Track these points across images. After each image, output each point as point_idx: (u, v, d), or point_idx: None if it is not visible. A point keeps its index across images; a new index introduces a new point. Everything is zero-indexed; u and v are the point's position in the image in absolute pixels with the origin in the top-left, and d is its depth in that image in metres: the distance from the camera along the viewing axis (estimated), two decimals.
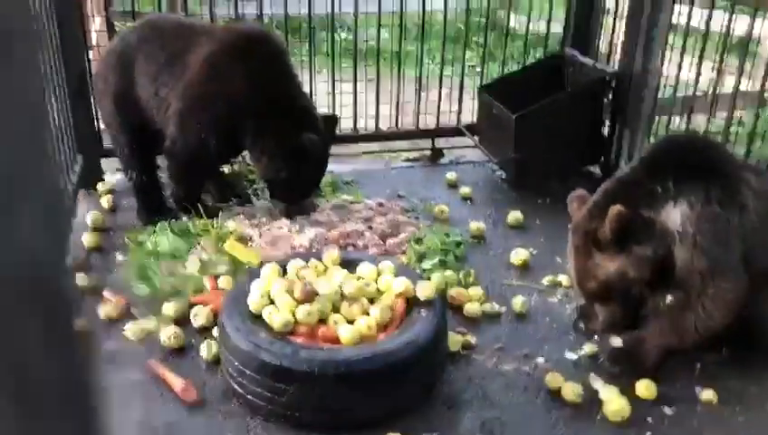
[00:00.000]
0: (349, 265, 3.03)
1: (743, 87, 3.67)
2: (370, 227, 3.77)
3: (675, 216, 2.60)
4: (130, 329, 2.98)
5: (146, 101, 3.68)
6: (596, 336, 3.01)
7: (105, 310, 3.07)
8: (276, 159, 3.57)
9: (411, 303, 2.80)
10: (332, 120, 3.92)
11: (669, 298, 2.85)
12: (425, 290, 2.79)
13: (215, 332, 2.88)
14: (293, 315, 2.65)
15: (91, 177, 4.26)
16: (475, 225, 3.93)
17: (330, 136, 3.81)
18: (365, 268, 2.95)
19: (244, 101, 3.50)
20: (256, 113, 3.51)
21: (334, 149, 4.03)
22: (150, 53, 3.64)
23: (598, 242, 2.65)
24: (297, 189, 3.77)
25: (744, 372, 2.90)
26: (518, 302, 3.26)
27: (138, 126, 3.77)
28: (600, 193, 2.77)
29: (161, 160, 3.94)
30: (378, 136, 4.97)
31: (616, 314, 2.78)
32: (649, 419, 2.65)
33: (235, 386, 2.56)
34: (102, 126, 4.15)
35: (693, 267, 2.64)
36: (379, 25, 4.77)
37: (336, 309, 2.76)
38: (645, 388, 2.74)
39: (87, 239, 3.65)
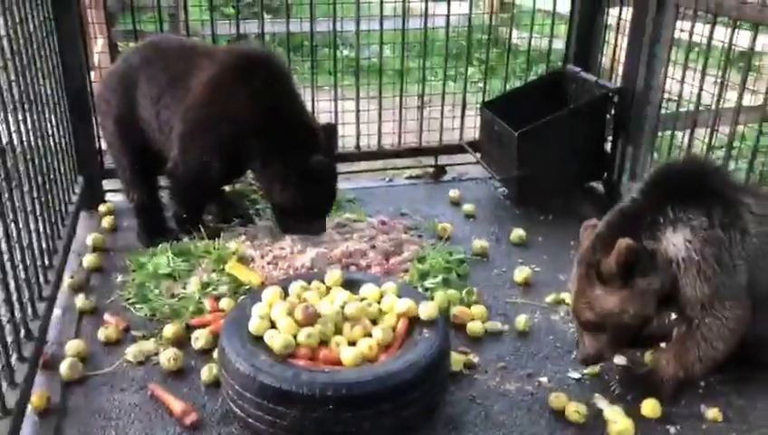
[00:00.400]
0: (351, 285, 3.01)
1: (745, 102, 3.65)
2: (373, 246, 3.75)
3: (677, 242, 2.58)
4: (130, 351, 2.97)
5: (147, 122, 3.69)
6: None
7: (105, 332, 3.06)
8: (288, 186, 3.54)
9: (414, 323, 2.78)
10: (331, 128, 3.86)
11: (675, 331, 2.86)
12: (427, 310, 2.76)
13: (215, 354, 2.86)
14: (295, 338, 2.63)
15: (92, 197, 4.27)
16: (478, 243, 3.91)
17: (331, 146, 3.77)
18: (367, 289, 2.94)
19: (248, 124, 3.48)
20: (261, 135, 3.49)
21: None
22: (152, 74, 3.64)
23: (601, 275, 2.62)
24: (310, 214, 3.72)
25: (749, 391, 2.88)
26: (521, 320, 3.24)
27: (140, 147, 3.78)
28: (604, 225, 2.75)
29: (163, 181, 3.95)
30: (380, 153, 4.97)
31: (600, 348, 2.75)
32: None
33: (236, 409, 2.54)
34: (104, 146, 4.15)
35: (696, 296, 2.61)
36: (381, 42, 4.78)
37: (338, 330, 2.74)
38: (650, 408, 2.71)
39: (87, 260, 3.64)
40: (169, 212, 3.94)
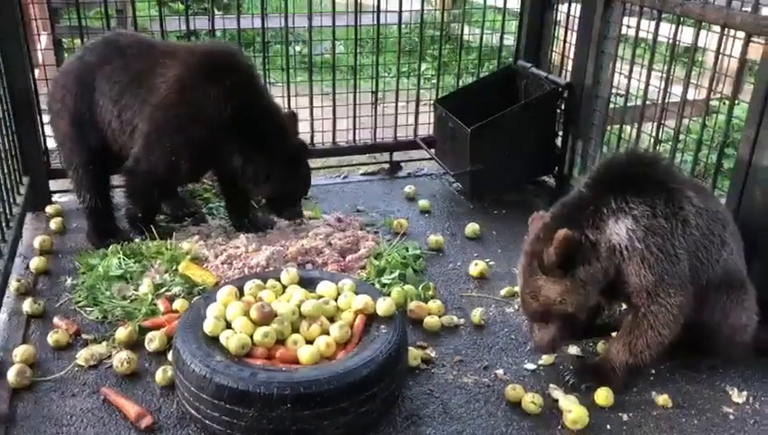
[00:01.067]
0: (308, 283, 3.00)
1: (690, 96, 3.76)
2: (329, 244, 3.74)
3: (620, 231, 2.64)
4: (82, 355, 2.90)
5: (107, 122, 3.58)
6: None
7: (55, 337, 2.98)
8: (275, 174, 3.56)
9: (371, 319, 2.79)
10: (293, 115, 3.91)
11: (624, 320, 2.93)
12: (384, 306, 2.78)
13: (169, 356, 2.82)
14: (251, 337, 2.61)
15: (39, 199, 4.15)
16: (434, 238, 3.94)
17: (296, 131, 3.83)
18: (324, 286, 2.93)
19: (223, 123, 3.43)
20: (239, 132, 3.46)
21: None
22: (112, 72, 3.54)
23: (543, 265, 2.67)
24: (296, 195, 3.80)
25: (696, 377, 2.98)
26: (477, 313, 3.28)
27: (96, 147, 3.66)
28: (549, 216, 2.80)
29: (118, 180, 3.85)
30: (335, 150, 4.96)
31: (551, 337, 2.79)
32: (608, 426, 2.70)
33: (192, 411, 2.51)
34: (54, 146, 4.03)
35: (640, 284, 2.68)
36: (334, 38, 4.76)
37: (295, 329, 2.73)
38: (603, 397, 2.78)
39: (35, 263, 3.54)
40: (122, 211, 3.84)
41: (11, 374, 2.73)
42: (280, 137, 3.56)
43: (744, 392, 2.89)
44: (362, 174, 5.11)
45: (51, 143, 4.28)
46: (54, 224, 3.97)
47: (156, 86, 3.46)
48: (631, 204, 2.65)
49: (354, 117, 4.91)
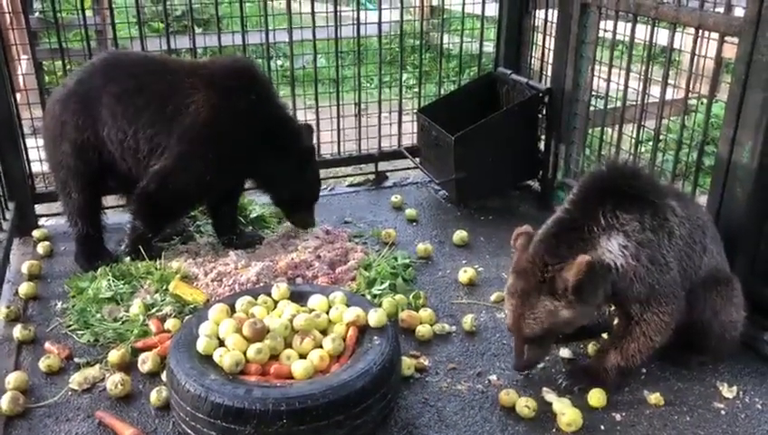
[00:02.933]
0: (299, 297, 3.01)
1: (668, 96, 3.82)
2: (319, 256, 3.76)
3: (613, 249, 2.64)
4: (75, 379, 2.89)
5: (117, 142, 3.54)
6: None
7: (46, 362, 2.96)
8: (299, 177, 3.75)
9: (363, 331, 2.80)
10: (310, 128, 4.04)
11: (615, 324, 2.98)
12: (376, 317, 2.80)
13: (163, 376, 2.82)
14: (244, 354, 2.61)
15: (25, 223, 4.13)
16: (422, 246, 3.97)
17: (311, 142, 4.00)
18: (316, 300, 2.95)
19: (251, 136, 3.54)
20: (264, 143, 3.58)
21: None
22: (122, 92, 3.51)
23: (553, 290, 2.62)
24: (314, 196, 3.97)
25: (687, 374, 3.02)
26: (468, 320, 3.30)
27: (95, 172, 3.64)
28: (544, 236, 2.74)
29: (127, 203, 3.94)
30: (320, 163, 4.95)
31: (540, 354, 2.84)
32: (602, 426, 2.72)
33: (188, 431, 2.50)
34: (39, 170, 4.00)
35: (634, 296, 2.71)
36: (315, 52, 4.79)
37: (288, 344, 2.74)
38: (596, 398, 2.81)
39: (23, 289, 3.52)
40: (128, 232, 3.80)
41: (4, 402, 2.71)
42: (295, 141, 3.73)
43: (734, 387, 2.93)
44: (348, 185, 5.13)
45: (36, 167, 4.28)
46: (42, 248, 3.95)
47: (184, 106, 3.46)
48: (622, 220, 2.65)
49: (338, 129, 4.93)
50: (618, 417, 2.77)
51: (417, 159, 4.89)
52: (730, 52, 3.33)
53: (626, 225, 2.65)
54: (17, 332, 3.17)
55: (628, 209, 2.67)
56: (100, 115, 3.54)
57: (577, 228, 2.68)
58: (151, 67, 3.63)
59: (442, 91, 5.19)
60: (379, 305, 3.12)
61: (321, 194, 4.82)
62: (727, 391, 2.91)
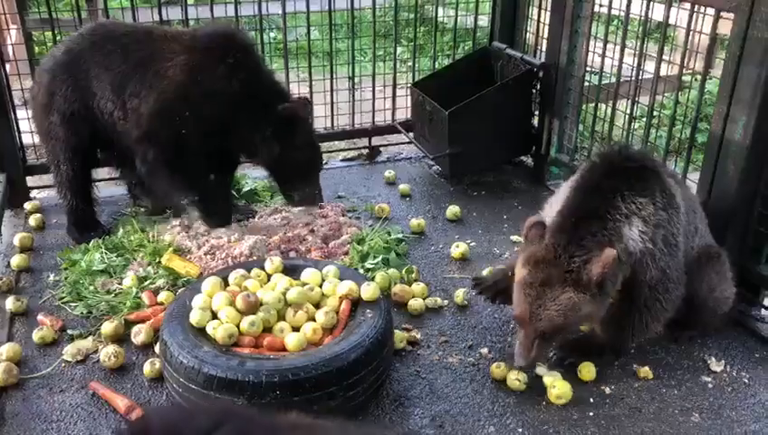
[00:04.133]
0: (292, 271, 3.02)
1: (663, 72, 3.81)
2: (312, 231, 3.76)
3: (634, 235, 2.62)
4: (68, 351, 2.90)
5: (107, 112, 3.52)
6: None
7: (39, 334, 2.97)
8: (271, 142, 3.54)
9: (356, 304, 2.81)
10: (306, 103, 3.87)
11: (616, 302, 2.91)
12: (369, 291, 2.81)
13: (156, 348, 2.83)
14: (237, 327, 2.63)
15: (16, 196, 4.10)
16: (415, 221, 3.97)
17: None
18: (309, 274, 2.95)
19: (229, 98, 3.44)
20: (244, 106, 3.48)
21: None
22: (110, 62, 3.49)
23: (578, 282, 2.54)
24: (301, 169, 3.71)
25: (676, 348, 3.05)
26: (460, 294, 3.32)
27: (85, 143, 3.62)
28: (562, 225, 2.64)
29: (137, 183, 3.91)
30: None
31: (546, 353, 2.79)
32: (591, 399, 2.77)
33: (182, 402, 2.52)
34: (31, 142, 3.97)
35: (644, 281, 2.71)
36: (309, 24, 4.74)
37: (281, 316, 2.76)
38: (586, 372, 2.84)
39: (15, 261, 3.52)
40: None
41: None
42: (280, 102, 3.57)
43: (722, 361, 2.97)
44: (342, 160, 5.12)
45: (27, 139, 4.24)
46: (34, 220, 3.94)
47: (163, 70, 3.43)
48: (638, 205, 2.63)
49: (332, 103, 4.90)
50: (607, 390, 2.81)
51: (411, 134, 4.87)
52: (725, 27, 3.31)
53: (642, 209, 2.63)
54: (10, 303, 3.17)
55: (642, 193, 2.65)
56: (88, 85, 3.51)
57: (597, 216, 2.61)
58: (137, 36, 3.60)
59: (436, 66, 5.16)
60: (372, 279, 3.14)
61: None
62: (715, 365, 2.95)
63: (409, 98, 4.89)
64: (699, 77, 3.60)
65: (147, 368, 2.79)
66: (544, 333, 2.63)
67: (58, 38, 4.15)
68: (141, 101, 3.45)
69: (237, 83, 3.45)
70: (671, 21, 3.67)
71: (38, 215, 3.99)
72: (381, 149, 5.14)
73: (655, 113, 3.91)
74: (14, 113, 4.08)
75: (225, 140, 3.61)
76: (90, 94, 3.52)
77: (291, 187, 3.78)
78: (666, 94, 4.36)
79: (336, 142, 5.13)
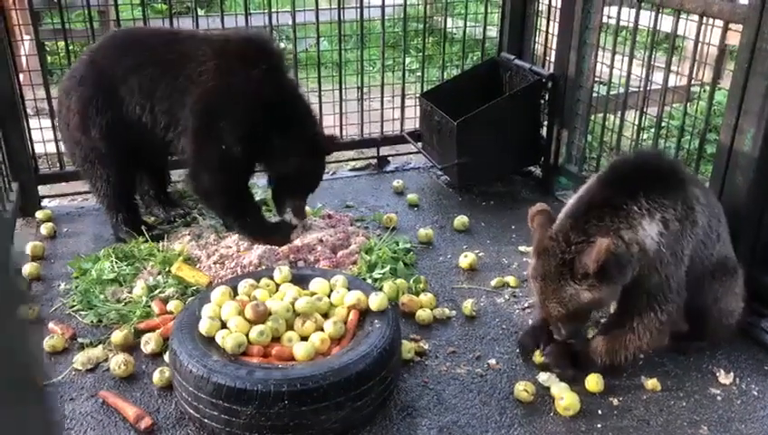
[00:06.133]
0: (300, 280, 3.04)
1: (671, 83, 3.82)
2: (321, 240, 3.77)
3: (653, 231, 2.60)
4: (78, 359, 2.92)
5: (137, 118, 3.52)
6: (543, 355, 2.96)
7: (50, 342, 3.00)
8: (293, 154, 3.57)
9: (364, 314, 2.83)
10: (332, 139, 3.95)
11: (612, 312, 2.94)
12: (377, 301, 2.82)
13: (166, 357, 2.85)
14: (246, 336, 2.64)
15: (29, 205, 4.14)
16: (424, 231, 3.98)
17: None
18: (317, 283, 2.97)
19: (259, 104, 3.45)
20: (272, 113, 3.49)
21: None
22: (137, 65, 3.49)
23: (575, 273, 2.55)
24: (308, 184, 3.82)
25: (684, 360, 3.04)
26: (468, 305, 3.32)
27: (127, 147, 3.63)
28: (570, 216, 2.65)
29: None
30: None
31: (579, 326, 2.84)
32: (599, 411, 2.76)
33: (191, 411, 2.54)
34: (42, 152, 4.01)
35: (647, 285, 2.69)
36: (318, 34, 4.78)
37: (290, 326, 2.77)
38: (594, 383, 2.84)
39: (27, 269, 3.54)
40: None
41: None
42: (306, 121, 3.63)
43: (731, 373, 2.96)
44: (350, 170, 5.14)
45: (39, 148, 4.29)
46: (45, 229, 3.97)
47: (195, 76, 3.43)
48: (661, 206, 2.61)
49: (341, 113, 4.93)
50: (615, 401, 2.80)
51: (420, 144, 4.89)
52: (734, 39, 3.32)
53: (665, 211, 2.61)
54: (21, 312, 3.18)
55: (665, 195, 2.63)
56: (117, 92, 3.51)
57: (612, 205, 2.60)
58: (163, 38, 3.61)
59: (445, 76, 5.18)
60: (380, 289, 3.15)
61: (323, 178, 4.86)
62: (724, 377, 2.94)
63: (418, 108, 4.92)
64: (708, 88, 3.60)
65: (156, 377, 2.80)
66: (557, 320, 2.70)
67: (71, 48, 4.20)
68: (172, 106, 3.46)
69: (270, 89, 3.46)
70: (679, 32, 3.68)
71: (49, 224, 4.02)
72: (390, 158, 5.16)
73: (663, 124, 3.91)
74: (27, 123, 4.13)
75: (255, 149, 3.61)
76: (119, 101, 3.51)
77: (288, 199, 3.81)
78: (674, 105, 4.36)
79: (345, 152, 5.15)
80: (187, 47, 3.51)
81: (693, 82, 3.78)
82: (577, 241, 2.56)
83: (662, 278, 2.68)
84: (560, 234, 2.61)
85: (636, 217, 2.59)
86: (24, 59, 4.43)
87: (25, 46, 4.78)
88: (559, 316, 2.68)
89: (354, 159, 5.21)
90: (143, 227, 3.78)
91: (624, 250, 2.56)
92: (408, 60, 5.25)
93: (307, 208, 4.07)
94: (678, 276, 2.73)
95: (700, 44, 3.56)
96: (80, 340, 3.08)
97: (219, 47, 3.49)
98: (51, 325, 3.14)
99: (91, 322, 3.19)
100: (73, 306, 3.30)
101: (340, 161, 5.17)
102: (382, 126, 5.06)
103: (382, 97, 5.00)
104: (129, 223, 3.79)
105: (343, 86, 4.86)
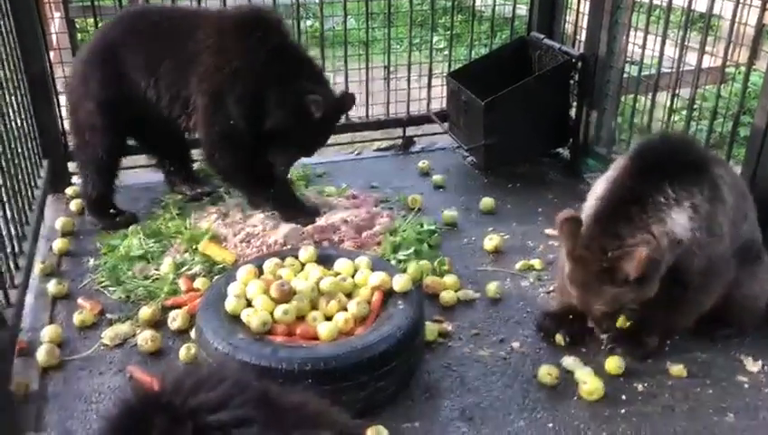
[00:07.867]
0: (325, 260, 3.05)
1: (705, 64, 3.73)
2: (345, 221, 3.77)
3: (682, 222, 2.58)
4: (107, 334, 2.98)
5: (140, 93, 3.59)
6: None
7: (80, 317, 3.05)
8: (278, 111, 3.54)
9: (388, 295, 2.83)
10: (351, 97, 3.89)
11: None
12: (401, 282, 2.82)
13: (192, 334, 2.89)
14: (271, 315, 2.66)
15: (58, 181, 4.20)
16: (448, 213, 3.96)
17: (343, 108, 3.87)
18: (341, 264, 2.98)
19: (258, 68, 3.48)
20: (272, 72, 3.50)
21: None
22: (140, 41, 3.58)
23: (614, 279, 2.56)
24: (300, 141, 3.71)
25: (711, 346, 3.00)
26: (492, 287, 3.31)
27: (123, 126, 3.72)
28: (599, 214, 2.65)
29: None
30: (348, 126, 4.93)
31: (615, 319, 2.87)
32: (623, 396, 2.74)
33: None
34: (68, 129, 4.07)
35: (692, 269, 2.70)
36: (345, 12, 4.74)
37: (314, 306, 2.79)
38: (615, 365, 2.82)
39: (57, 245, 3.61)
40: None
41: (40, 354, 2.81)
42: (299, 77, 3.55)
43: (759, 361, 2.91)
44: (376, 150, 5.11)
45: (71, 128, 4.33)
46: (74, 205, 4.03)
47: (197, 53, 3.50)
48: (688, 191, 2.59)
49: (366, 92, 4.90)
50: (639, 387, 2.78)
51: (446, 125, 4.85)
52: None
53: (692, 197, 2.59)
54: (52, 286, 3.26)
55: (691, 180, 2.61)
56: (122, 68, 3.58)
57: (638, 201, 2.58)
58: (167, 16, 3.68)
59: (473, 55, 5.11)
60: (404, 271, 3.15)
61: (347, 158, 4.85)
62: (752, 365, 2.90)
63: (445, 88, 4.87)
64: (743, 69, 3.51)
65: (183, 353, 2.84)
66: (600, 316, 2.74)
67: (99, 25, 4.23)
68: (175, 82, 3.53)
69: (264, 56, 3.48)
70: (715, 11, 3.58)
71: (79, 200, 4.07)
72: (415, 139, 5.13)
73: (696, 106, 3.83)
74: (57, 100, 4.17)
75: (259, 121, 3.60)
76: (123, 78, 3.59)
77: (279, 156, 3.73)
78: (707, 87, 4.26)
79: (370, 132, 5.13)
80: (189, 23, 3.58)
81: (728, 62, 3.69)
82: (612, 248, 2.55)
83: (706, 260, 2.68)
84: (593, 242, 2.59)
85: (663, 208, 2.57)
86: (54, 36, 4.47)
87: (55, 24, 4.82)
88: (601, 316, 2.73)
89: (380, 140, 5.18)
90: (111, 211, 3.87)
91: (656, 247, 2.54)
92: (435, 38, 5.19)
93: (332, 188, 4.07)
94: (722, 252, 2.72)
95: (736, 24, 3.46)
96: (108, 315, 3.13)
97: (218, 23, 3.56)
98: (80, 301, 3.20)
99: (119, 298, 3.23)
100: (102, 282, 3.35)
101: (366, 141, 5.15)
102: (408, 106, 5.02)
103: (409, 76, 4.95)
104: (100, 199, 3.84)
105: (370, 65, 4.82)
